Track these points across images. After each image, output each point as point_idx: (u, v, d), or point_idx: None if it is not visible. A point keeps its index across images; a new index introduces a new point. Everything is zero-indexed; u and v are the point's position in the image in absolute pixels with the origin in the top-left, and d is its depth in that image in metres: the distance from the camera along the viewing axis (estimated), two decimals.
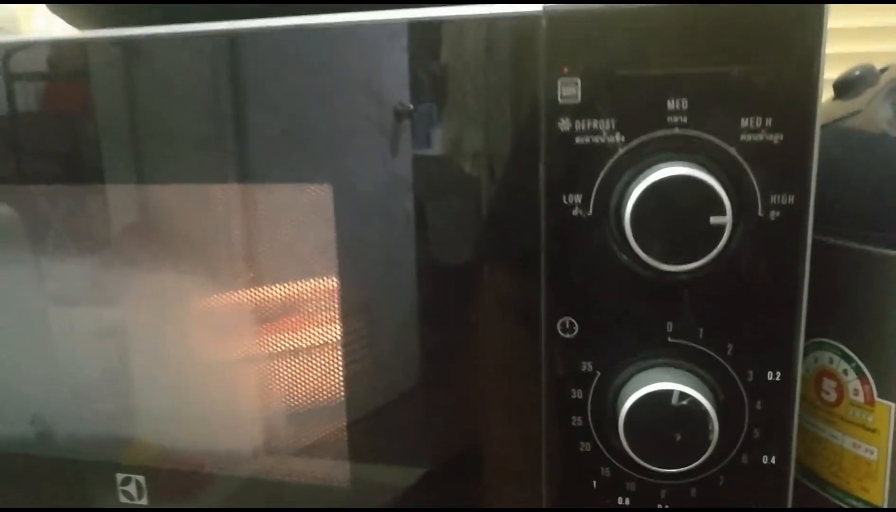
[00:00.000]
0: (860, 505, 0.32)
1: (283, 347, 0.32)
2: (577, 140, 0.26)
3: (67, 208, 0.33)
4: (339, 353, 0.31)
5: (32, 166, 0.33)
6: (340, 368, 0.31)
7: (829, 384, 0.32)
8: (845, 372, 0.32)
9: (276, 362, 0.33)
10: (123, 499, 0.35)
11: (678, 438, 0.26)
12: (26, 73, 0.32)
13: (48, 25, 0.71)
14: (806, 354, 0.32)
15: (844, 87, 0.35)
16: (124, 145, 0.31)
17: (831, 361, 0.32)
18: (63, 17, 0.38)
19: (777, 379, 0.26)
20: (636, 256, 0.25)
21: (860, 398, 0.31)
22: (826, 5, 0.24)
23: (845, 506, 0.32)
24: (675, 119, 0.25)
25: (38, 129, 0.32)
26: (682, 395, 0.25)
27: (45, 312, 0.35)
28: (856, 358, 0.31)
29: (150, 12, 0.33)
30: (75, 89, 0.31)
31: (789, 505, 0.28)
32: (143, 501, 0.35)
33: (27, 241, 0.34)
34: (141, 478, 0.35)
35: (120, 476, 0.35)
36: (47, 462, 0.36)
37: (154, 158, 0.31)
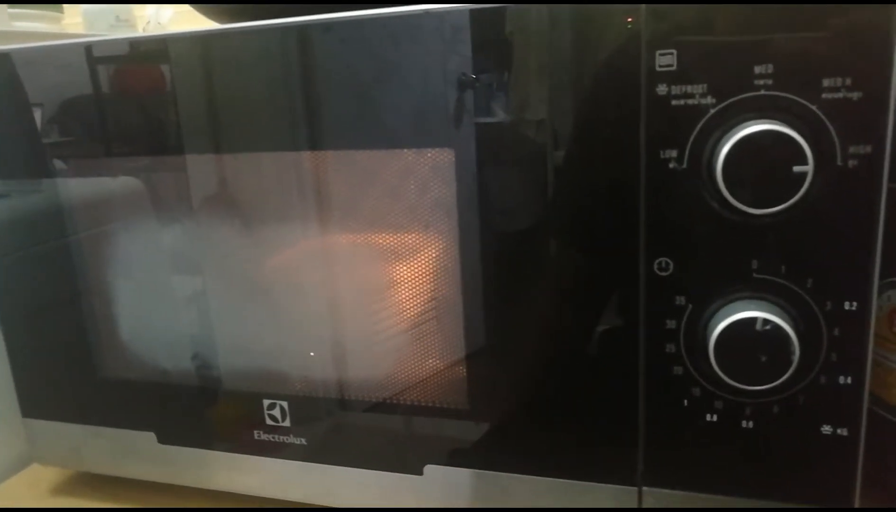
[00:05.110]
0: None
1: (409, 292, 0.38)
2: (673, 103, 0.30)
3: (239, 174, 0.39)
4: (460, 291, 0.36)
5: (185, 139, 0.39)
6: (461, 305, 0.36)
7: None
8: None
9: (404, 306, 0.38)
10: (269, 421, 0.42)
11: (763, 359, 0.30)
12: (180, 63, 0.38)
13: (157, 11, 0.78)
14: (880, 293, 0.35)
15: None
16: (297, 120, 0.37)
17: None
18: (203, 14, 0.44)
19: (853, 308, 0.30)
20: (726, 201, 0.29)
21: None
22: None
23: None
24: (762, 82, 0.29)
25: (194, 108, 0.38)
26: (766, 321, 0.29)
27: (203, 268, 0.41)
28: None
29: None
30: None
31: (863, 423, 0.31)
32: (286, 423, 0.41)
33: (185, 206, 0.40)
34: (284, 403, 0.41)
35: (266, 402, 0.42)
36: (207, 391, 0.43)
37: (321, 128, 0.37)
